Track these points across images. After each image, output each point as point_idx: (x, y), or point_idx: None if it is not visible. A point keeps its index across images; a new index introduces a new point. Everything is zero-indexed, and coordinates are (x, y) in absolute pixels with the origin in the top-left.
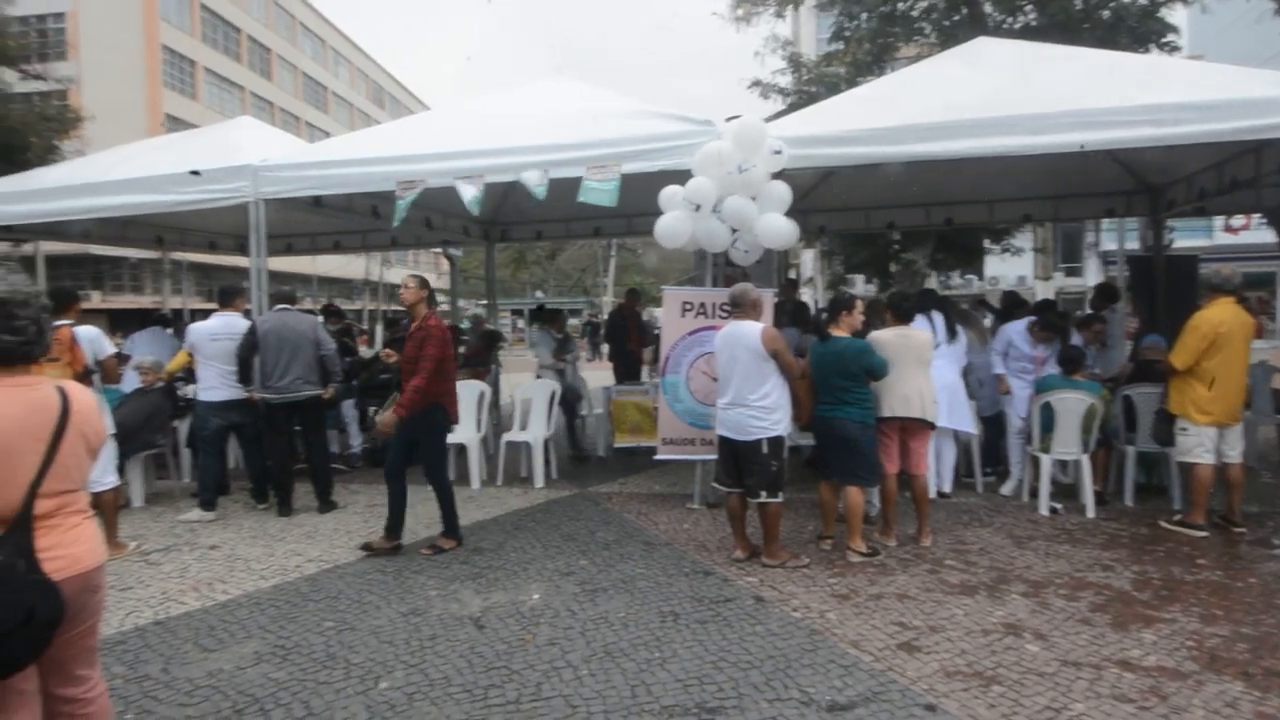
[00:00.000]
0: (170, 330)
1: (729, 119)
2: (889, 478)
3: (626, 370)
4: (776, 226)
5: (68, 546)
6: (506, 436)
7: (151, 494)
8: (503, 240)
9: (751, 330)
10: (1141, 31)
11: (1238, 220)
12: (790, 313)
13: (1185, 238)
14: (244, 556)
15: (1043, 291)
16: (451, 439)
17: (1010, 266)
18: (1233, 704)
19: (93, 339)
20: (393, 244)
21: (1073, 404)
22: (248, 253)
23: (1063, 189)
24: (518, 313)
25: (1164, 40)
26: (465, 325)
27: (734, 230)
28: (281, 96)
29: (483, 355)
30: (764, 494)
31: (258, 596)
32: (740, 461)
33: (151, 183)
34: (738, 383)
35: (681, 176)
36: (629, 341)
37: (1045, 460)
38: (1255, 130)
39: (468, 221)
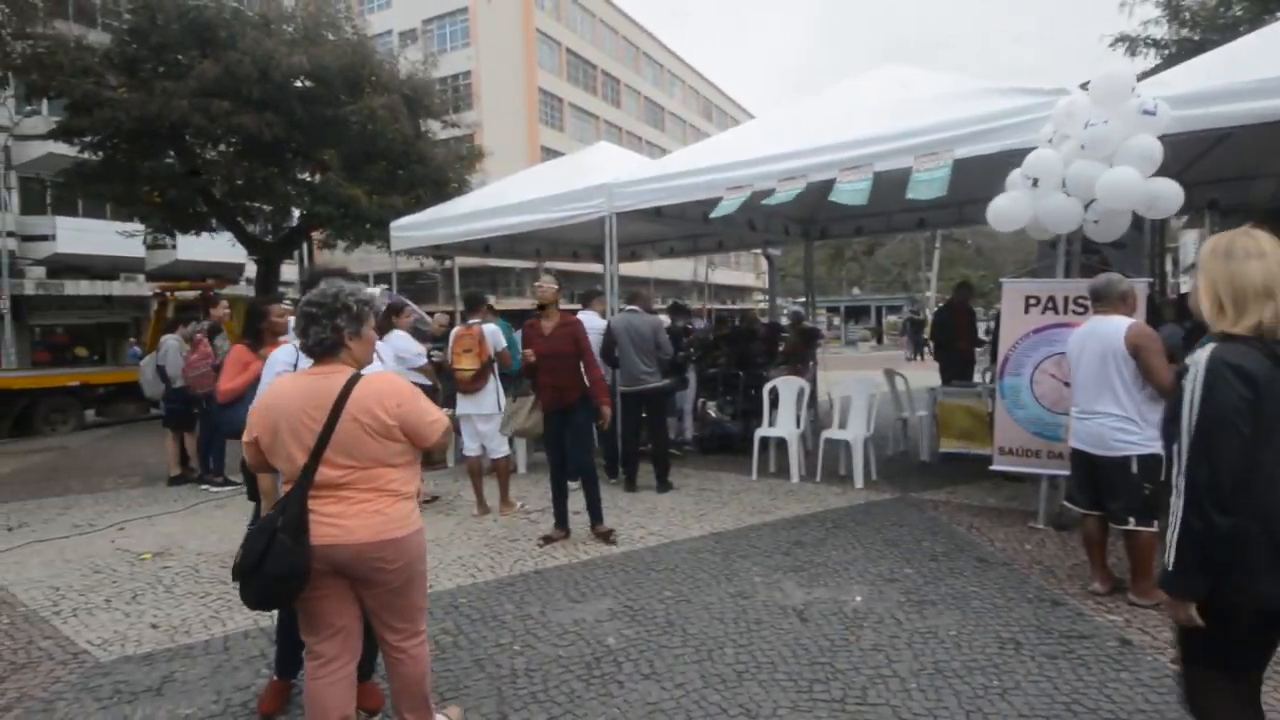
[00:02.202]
0: None
1: (1087, 85)
2: None
3: (955, 370)
4: (1124, 183)
5: (347, 519)
6: (825, 434)
7: (531, 463)
8: (822, 238)
9: (1117, 327)
10: None
11: None
12: (1157, 308)
13: None
14: None
15: None
16: (772, 433)
17: None
18: None
19: (493, 334)
20: (719, 247)
21: None
22: (602, 260)
23: None
24: (833, 310)
25: None
26: (783, 322)
27: (1087, 205)
28: (627, 120)
29: (801, 351)
30: (1132, 520)
31: (610, 560)
32: (1100, 480)
33: (533, 205)
34: (1098, 388)
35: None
36: (959, 340)
37: None
38: None
39: (788, 221)
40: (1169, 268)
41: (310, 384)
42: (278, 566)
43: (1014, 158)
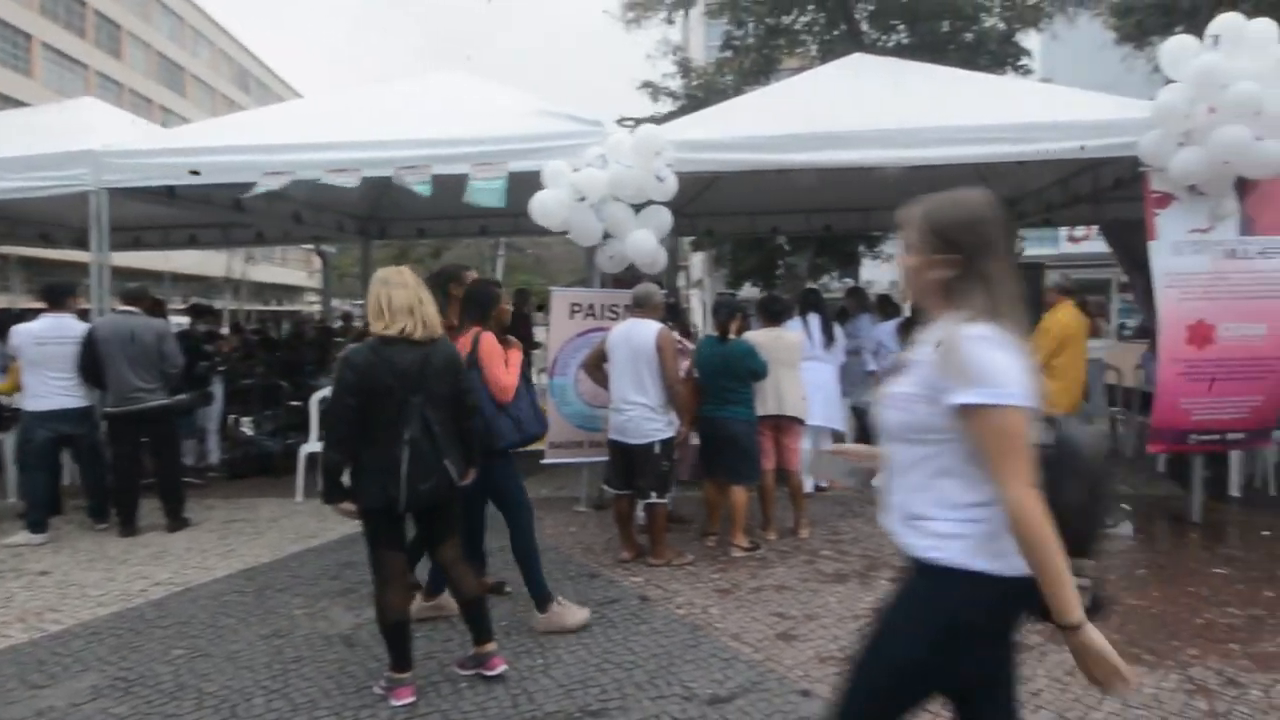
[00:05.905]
0: None
1: (622, 120)
2: (766, 474)
3: None
4: (645, 246)
5: None
6: None
7: None
8: (381, 237)
9: (648, 330)
10: (999, 54)
11: (1080, 231)
12: (678, 315)
13: (1035, 247)
14: (79, 582)
15: None
16: (320, 448)
17: (884, 271)
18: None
19: None
20: (258, 239)
21: None
22: (87, 247)
23: None
24: None
25: (1019, 63)
26: (338, 325)
27: (606, 235)
28: (132, 77)
29: None
30: (653, 494)
31: (95, 625)
32: (632, 464)
33: None
34: (632, 384)
35: None
36: None
37: None
38: (1094, 150)
39: (342, 216)
40: (681, 282)
41: None
42: None
43: None
